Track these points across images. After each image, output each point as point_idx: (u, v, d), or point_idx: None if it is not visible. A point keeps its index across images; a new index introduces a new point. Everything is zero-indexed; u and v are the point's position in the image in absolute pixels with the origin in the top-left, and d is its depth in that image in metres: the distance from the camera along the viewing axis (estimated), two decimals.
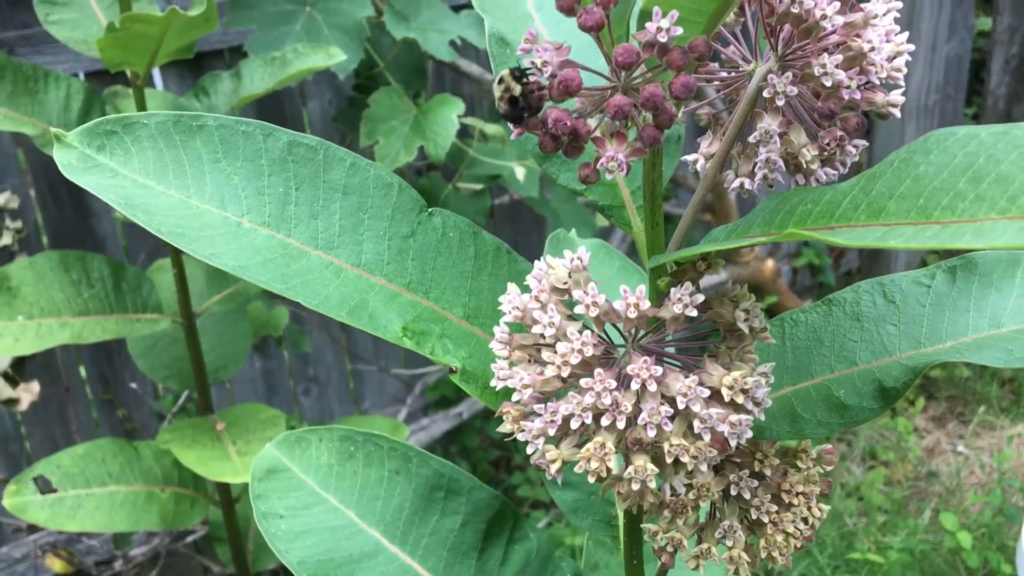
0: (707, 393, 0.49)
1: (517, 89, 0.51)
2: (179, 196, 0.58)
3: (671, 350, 0.57)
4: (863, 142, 0.59)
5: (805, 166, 0.57)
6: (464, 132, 2.11)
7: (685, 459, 0.49)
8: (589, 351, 0.49)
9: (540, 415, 0.51)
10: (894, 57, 0.58)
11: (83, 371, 2.60)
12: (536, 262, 0.55)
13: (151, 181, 0.58)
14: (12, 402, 2.28)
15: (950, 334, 0.61)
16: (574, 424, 0.49)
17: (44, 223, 2.45)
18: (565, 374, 0.50)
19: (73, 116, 1.51)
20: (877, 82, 0.56)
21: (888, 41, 0.56)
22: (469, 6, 2.24)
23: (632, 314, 0.50)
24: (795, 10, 0.54)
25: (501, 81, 0.51)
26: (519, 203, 2.40)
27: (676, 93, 0.48)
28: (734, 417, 0.50)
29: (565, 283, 0.54)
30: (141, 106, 1.51)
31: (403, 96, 1.87)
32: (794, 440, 0.59)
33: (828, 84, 0.55)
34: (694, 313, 0.51)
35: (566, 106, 0.51)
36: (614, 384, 0.49)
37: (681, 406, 0.49)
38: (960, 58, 3.72)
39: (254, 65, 1.57)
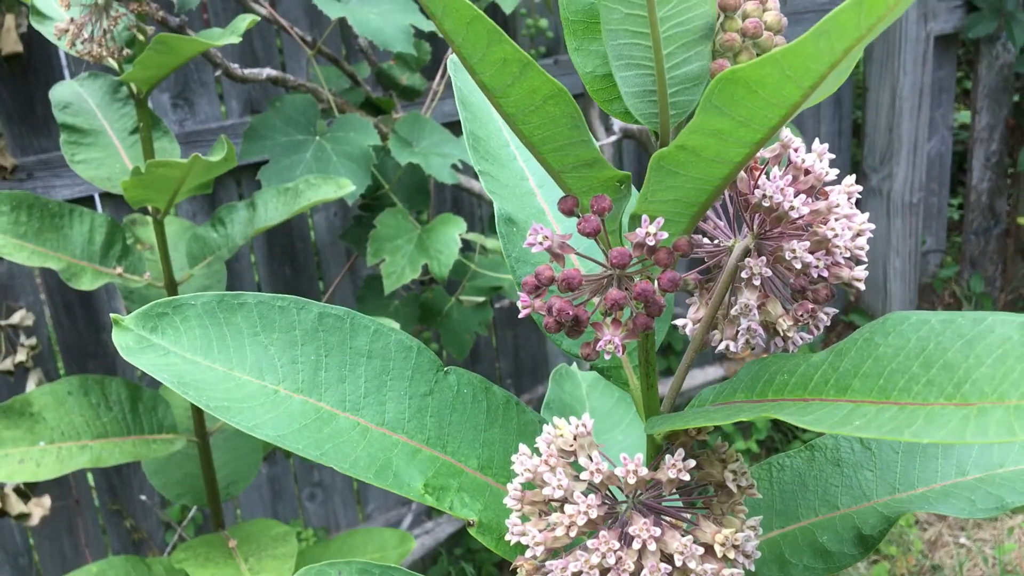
0: (701, 550, 0.55)
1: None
2: (223, 369, 0.65)
3: (670, 503, 0.63)
4: (833, 310, 0.66)
5: (782, 333, 0.65)
6: (466, 246, 2.20)
7: None
8: (594, 513, 0.55)
9: (552, 571, 0.56)
10: (857, 236, 0.66)
11: (91, 479, 2.64)
12: (545, 426, 0.62)
13: (198, 357, 0.65)
14: (23, 517, 2.32)
15: (921, 480, 0.67)
16: None
17: (57, 339, 2.52)
18: (573, 533, 0.56)
19: (96, 248, 1.59)
20: (841, 261, 0.63)
21: (850, 226, 0.64)
22: (448, 125, 2.35)
23: (632, 480, 0.56)
24: (765, 204, 0.62)
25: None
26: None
27: (664, 287, 0.55)
28: (726, 571, 0.56)
29: (571, 446, 0.60)
30: (161, 237, 1.59)
31: (408, 216, 1.96)
32: None
33: (798, 266, 0.62)
34: (687, 477, 0.57)
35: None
36: (617, 545, 0.55)
37: (679, 563, 0.55)
38: (942, 156, 3.85)
39: (268, 196, 1.66)
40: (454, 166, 1.96)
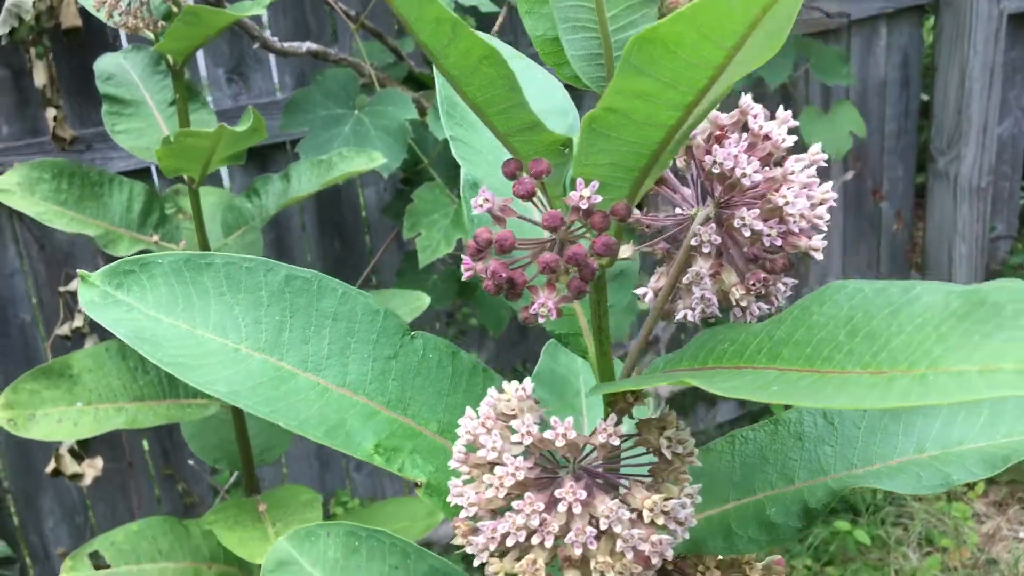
0: (628, 515, 0.55)
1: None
2: (186, 327, 0.67)
3: (627, 469, 0.63)
4: (791, 280, 0.65)
5: (735, 302, 0.64)
6: None
7: (611, 575, 0.55)
8: (522, 475, 0.56)
9: (483, 531, 0.57)
10: (819, 204, 0.64)
11: (145, 444, 2.72)
12: (490, 389, 0.62)
13: (161, 314, 0.67)
14: (77, 477, 2.41)
15: (879, 456, 0.66)
16: (510, 541, 0.56)
17: None
18: (502, 495, 0.56)
19: (134, 216, 1.64)
20: (797, 230, 0.62)
21: (809, 194, 0.63)
22: None
23: (560, 443, 0.56)
24: (715, 170, 0.61)
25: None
26: None
27: (597, 251, 0.55)
28: (655, 537, 0.56)
29: (512, 410, 0.60)
30: (196, 206, 1.63)
31: (445, 191, 1.97)
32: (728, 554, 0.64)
33: (747, 234, 0.61)
34: (617, 442, 0.57)
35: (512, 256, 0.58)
36: (542, 506, 0.55)
37: (604, 526, 0.55)
38: (1015, 138, 3.72)
39: (302, 168, 1.69)
40: None
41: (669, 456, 0.58)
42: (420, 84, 2.18)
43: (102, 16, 1.47)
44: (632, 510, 0.56)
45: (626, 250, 0.70)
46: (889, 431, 0.67)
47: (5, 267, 2.49)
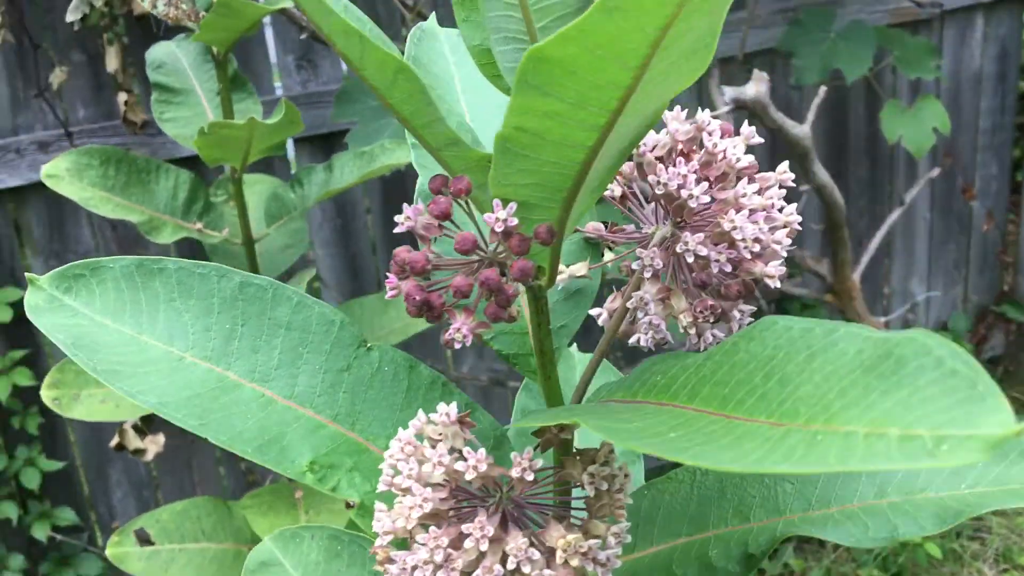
0: (537, 555, 0.53)
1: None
2: (131, 333, 0.66)
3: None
4: (748, 307, 0.61)
5: (683, 329, 0.60)
6: None
7: None
8: (429, 507, 0.54)
9: (395, 561, 0.55)
10: (782, 228, 0.60)
11: None
12: (420, 411, 0.60)
13: (108, 320, 0.66)
14: (139, 452, 2.48)
15: (838, 499, 0.61)
16: (418, 575, 0.54)
17: None
18: (410, 526, 0.54)
19: (179, 203, 1.66)
20: (748, 256, 0.58)
21: (770, 216, 0.59)
22: None
23: (471, 476, 0.54)
24: (659, 191, 0.57)
25: None
26: None
27: (514, 276, 0.52)
28: None
29: (440, 435, 0.58)
30: (239, 195, 1.65)
31: None
32: None
33: (690, 259, 0.57)
34: (531, 477, 0.54)
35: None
36: (446, 541, 0.53)
37: (511, 566, 0.52)
38: None
39: (345, 159, 1.69)
40: None
41: (591, 492, 0.55)
42: None
43: (146, 6, 1.49)
44: (547, 548, 0.54)
45: (580, 268, 0.67)
46: (852, 472, 0.63)
47: (80, 245, 2.57)
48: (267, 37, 2.50)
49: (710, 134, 0.60)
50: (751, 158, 0.59)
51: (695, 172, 0.58)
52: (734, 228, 0.57)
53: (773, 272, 0.59)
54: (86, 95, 2.42)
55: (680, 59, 0.47)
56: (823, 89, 2.33)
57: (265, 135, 1.45)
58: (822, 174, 2.36)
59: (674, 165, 0.58)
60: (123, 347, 0.66)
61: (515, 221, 0.52)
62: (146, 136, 2.49)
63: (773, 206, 0.60)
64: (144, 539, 1.83)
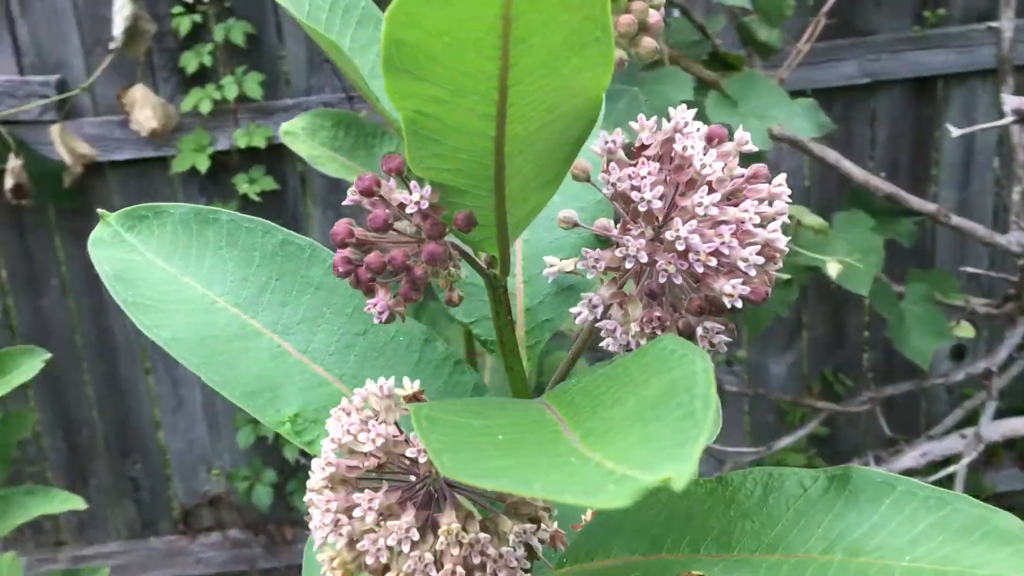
0: (417, 536, 0.53)
1: None
2: (175, 273, 0.73)
3: None
4: (713, 324, 0.57)
5: (633, 339, 0.57)
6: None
7: None
8: (331, 471, 0.55)
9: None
10: (752, 245, 0.56)
11: None
12: (368, 381, 0.62)
13: (158, 259, 0.74)
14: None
15: (788, 546, 0.55)
16: (327, 533, 0.56)
17: None
18: (316, 486, 0.56)
19: None
20: (700, 270, 0.54)
21: (746, 231, 0.55)
22: (804, 92, 2.18)
23: (369, 447, 0.55)
24: (608, 191, 0.55)
25: None
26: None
27: (424, 259, 0.53)
28: (449, 566, 0.53)
29: (376, 409, 0.60)
30: None
31: None
32: None
33: (628, 265, 0.55)
34: (425, 459, 0.54)
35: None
36: (335, 507, 0.54)
37: (392, 543, 0.53)
38: None
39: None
40: (770, 130, 1.84)
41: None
42: (726, 65, 2.10)
43: None
44: (432, 531, 0.54)
45: (569, 264, 0.65)
46: (816, 520, 0.57)
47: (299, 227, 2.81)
48: None
49: (683, 135, 0.56)
50: (721, 164, 0.55)
51: (655, 175, 0.55)
52: (677, 238, 0.53)
53: (731, 291, 0.55)
54: None
55: (561, 52, 0.45)
56: None
57: None
58: None
59: (637, 166, 0.56)
60: (164, 285, 0.73)
61: (427, 204, 0.52)
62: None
63: (747, 220, 0.55)
64: None
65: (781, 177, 0.58)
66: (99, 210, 0.75)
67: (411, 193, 0.53)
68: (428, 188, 0.53)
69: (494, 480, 0.37)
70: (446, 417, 0.46)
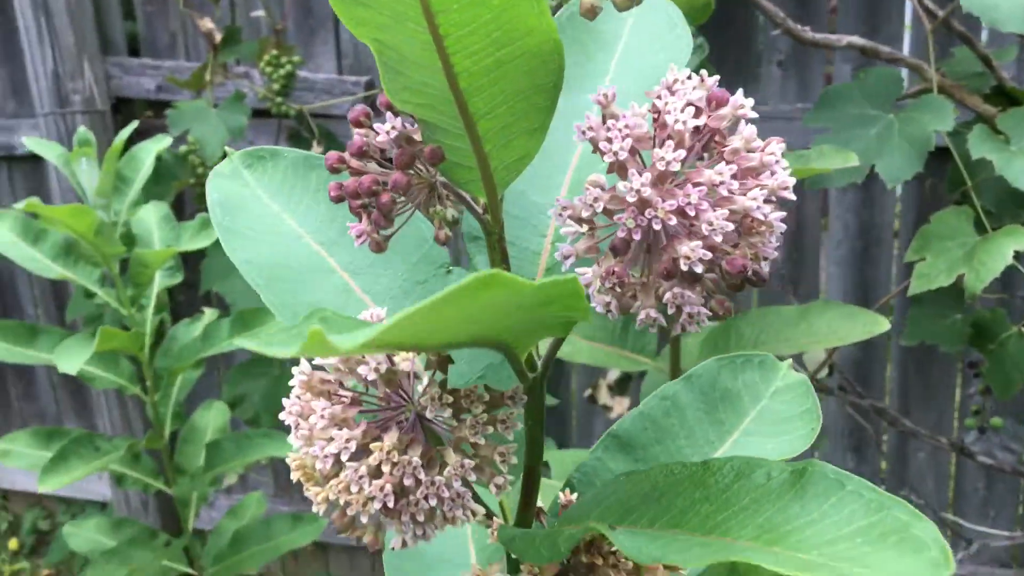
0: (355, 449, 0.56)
1: None
2: (277, 209, 0.81)
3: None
4: (687, 294, 0.55)
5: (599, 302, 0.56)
6: None
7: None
8: (307, 377, 0.60)
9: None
10: (726, 211, 0.53)
11: None
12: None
13: (265, 195, 0.82)
14: (607, 408, 2.69)
15: (726, 530, 0.53)
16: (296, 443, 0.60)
17: None
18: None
19: None
20: (658, 227, 0.53)
21: (710, 196, 0.52)
22: None
23: (372, 376, 0.58)
24: (576, 137, 0.55)
25: None
26: None
27: (390, 185, 0.55)
28: (377, 482, 0.55)
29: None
30: None
31: (971, 219, 1.73)
32: None
33: (585, 214, 0.54)
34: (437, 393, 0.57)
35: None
36: (315, 421, 0.58)
37: (344, 456, 0.56)
38: None
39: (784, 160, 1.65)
40: None
41: (470, 435, 0.57)
42: (1012, 100, 1.91)
43: None
44: (367, 453, 0.57)
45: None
46: (763, 509, 0.53)
47: None
48: None
49: (672, 92, 0.55)
50: (720, 129, 0.53)
51: (633, 129, 0.54)
52: (630, 190, 0.52)
53: (689, 253, 0.53)
54: None
55: None
56: None
57: None
58: None
59: (616, 120, 0.55)
60: (264, 218, 0.81)
61: (395, 133, 0.55)
62: None
63: (723, 184, 0.53)
64: None
65: (776, 143, 0.55)
66: (226, 147, 0.84)
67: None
68: (400, 119, 0.56)
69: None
70: None
